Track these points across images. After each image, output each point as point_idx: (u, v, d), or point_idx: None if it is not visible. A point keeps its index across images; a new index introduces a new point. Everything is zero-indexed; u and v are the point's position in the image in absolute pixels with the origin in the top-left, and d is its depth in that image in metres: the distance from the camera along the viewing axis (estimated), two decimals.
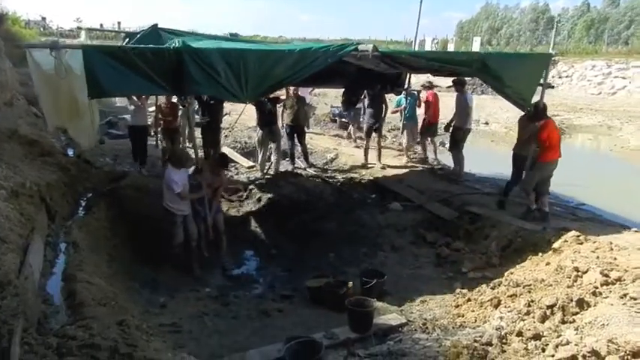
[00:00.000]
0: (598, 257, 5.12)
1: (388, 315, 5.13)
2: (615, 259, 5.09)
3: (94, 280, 4.75)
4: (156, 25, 8.30)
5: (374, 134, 10.53)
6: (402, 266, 6.86)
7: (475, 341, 3.99)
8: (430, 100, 10.68)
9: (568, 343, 3.67)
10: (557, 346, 3.69)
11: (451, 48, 38.15)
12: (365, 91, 10.63)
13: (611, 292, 4.37)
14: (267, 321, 5.30)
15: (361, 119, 11.41)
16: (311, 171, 10.41)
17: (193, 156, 7.12)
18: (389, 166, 10.52)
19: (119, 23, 43.11)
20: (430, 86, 11.20)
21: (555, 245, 5.89)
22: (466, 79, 10.22)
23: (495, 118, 19.35)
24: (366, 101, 10.77)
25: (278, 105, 10.07)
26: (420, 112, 11.06)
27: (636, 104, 21.88)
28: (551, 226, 6.77)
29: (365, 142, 10.78)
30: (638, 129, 17.57)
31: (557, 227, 6.64)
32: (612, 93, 24.46)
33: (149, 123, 9.73)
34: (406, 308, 5.50)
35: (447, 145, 11.42)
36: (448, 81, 12.16)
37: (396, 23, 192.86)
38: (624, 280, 4.52)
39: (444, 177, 9.94)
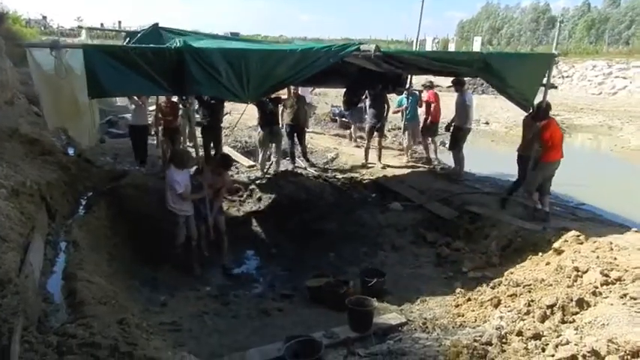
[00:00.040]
0: (598, 257, 5.12)
1: (388, 314, 5.13)
2: (615, 259, 5.09)
3: (94, 279, 4.76)
4: (157, 24, 8.30)
5: (375, 134, 10.53)
6: (403, 266, 6.86)
7: (475, 341, 3.99)
8: (431, 100, 10.68)
9: (568, 342, 3.67)
10: (557, 346, 3.69)
11: (452, 48, 38.09)
12: (366, 91, 10.62)
13: (611, 292, 4.38)
14: (267, 320, 5.31)
15: (364, 118, 11.39)
16: (311, 170, 10.40)
17: (194, 156, 7.13)
18: (389, 166, 10.52)
19: (119, 22, 43.00)
20: (431, 86, 11.20)
21: (555, 245, 5.90)
22: (466, 78, 10.21)
23: (496, 118, 19.35)
24: (368, 101, 10.76)
25: (279, 105, 10.06)
26: (421, 111, 11.05)
27: (637, 104, 21.86)
28: (552, 225, 6.77)
29: (366, 142, 10.78)
30: (639, 129, 17.56)
31: (557, 227, 6.64)
32: (613, 93, 24.44)
33: (149, 122, 9.72)
34: (406, 308, 5.50)
35: (447, 145, 11.42)
36: (448, 80, 12.14)
37: (396, 23, 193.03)
38: (624, 280, 4.53)
39: (444, 177, 9.94)
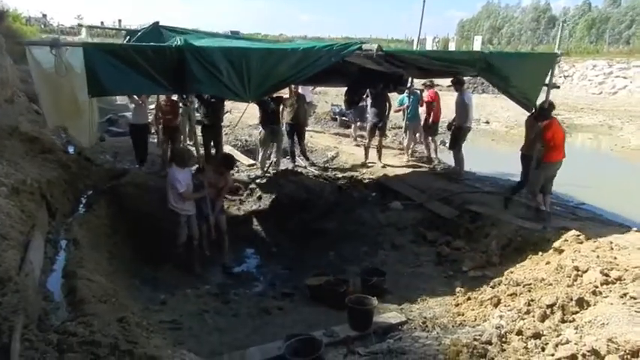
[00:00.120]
0: (598, 256, 5.12)
1: (388, 313, 5.14)
2: (615, 258, 5.09)
3: (94, 277, 4.76)
4: (157, 22, 8.29)
5: (376, 133, 10.52)
6: (403, 265, 6.86)
7: (475, 340, 3.99)
8: (432, 99, 10.68)
9: (568, 342, 3.67)
10: (556, 345, 3.69)
11: (452, 47, 38.09)
12: (367, 90, 10.62)
13: (611, 291, 4.38)
14: (267, 319, 5.31)
15: (365, 116, 11.39)
16: (311, 169, 10.40)
17: (195, 155, 7.13)
18: (389, 165, 10.51)
19: (120, 21, 43.04)
20: (431, 85, 11.19)
21: (555, 244, 5.89)
22: (466, 78, 10.20)
23: (496, 117, 19.35)
24: (369, 100, 10.75)
25: (281, 104, 10.04)
26: (422, 110, 11.04)
27: (637, 104, 21.85)
28: (552, 225, 6.76)
29: (367, 141, 10.78)
30: (639, 128, 17.56)
31: (557, 226, 6.64)
32: (613, 93, 24.41)
33: (150, 121, 9.71)
34: (406, 306, 5.50)
35: (447, 145, 11.42)
36: (448, 80, 12.14)
37: (396, 22, 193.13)
38: (624, 279, 4.53)
39: (445, 176, 9.94)
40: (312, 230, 8.28)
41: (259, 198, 9.03)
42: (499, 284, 5.47)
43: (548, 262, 5.53)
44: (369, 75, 9.06)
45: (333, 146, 12.57)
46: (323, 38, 38.58)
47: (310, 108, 14.58)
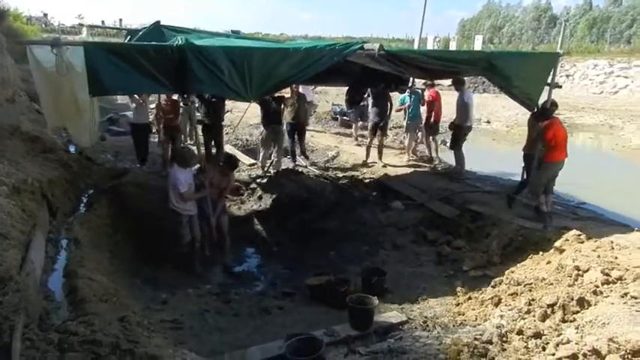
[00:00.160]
0: (599, 256, 5.11)
1: (389, 313, 5.14)
2: (616, 258, 5.09)
3: (95, 277, 4.76)
4: (158, 22, 8.28)
5: (377, 132, 10.52)
6: (403, 264, 6.86)
7: (475, 339, 3.99)
8: (433, 99, 10.69)
9: (569, 341, 3.67)
10: (557, 345, 3.69)
11: (453, 46, 38.04)
12: (369, 90, 10.61)
13: (612, 291, 4.37)
14: (267, 318, 5.32)
15: (367, 116, 11.40)
16: (312, 169, 10.40)
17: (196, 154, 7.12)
18: (390, 165, 10.51)
19: (120, 20, 43.12)
20: (432, 84, 11.18)
21: (556, 244, 5.89)
22: (466, 77, 10.19)
23: (497, 117, 19.34)
24: (370, 100, 10.75)
25: (282, 104, 10.04)
26: (423, 110, 11.03)
27: (638, 103, 21.82)
28: (553, 225, 6.75)
29: (368, 140, 10.78)
30: None
31: (558, 226, 6.63)
32: (614, 92, 24.38)
33: (151, 120, 9.71)
34: (407, 306, 5.50)
35: (448, 144, 11.42)
36: (449, 79, 12.14)
37: (396, 22, 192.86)
38: (625, 279, 4.53)
39: (445, 175, 9.94)
40: (312, 230, 8.28)
41: (260, 198, 9.04)
42: (500, 284, 5.47)
43: (549, 262, 5.53)
44: (371, 74, 9.06)
45: (333, 146, 12.57)
46: (324, 37, 38.60)
47: (311, 107, 14.58)
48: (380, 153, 10.69)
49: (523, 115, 16.88)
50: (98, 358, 3.09)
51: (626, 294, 4.21)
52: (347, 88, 11.05)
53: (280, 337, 4.42)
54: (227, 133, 12.28)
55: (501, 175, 10.04)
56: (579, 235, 5.97)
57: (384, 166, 10.40)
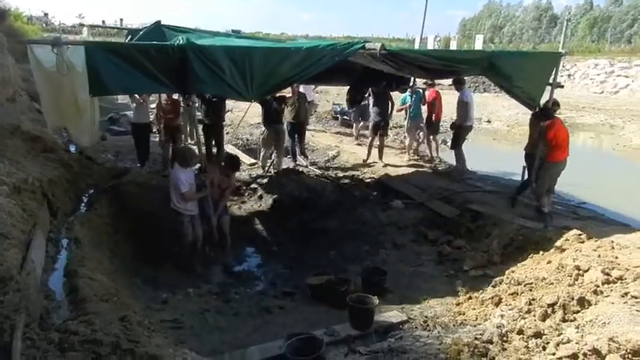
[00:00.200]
0: (599, 256, 5.11)
1: (389, 312, 5.13)
2: (617, 257, 5.09)
3: (95, 276, 4.76)
4: (159, 21, 8.27)
5: (379, 131, 10.52)
6: (404, 264, 6.86)
7: (476, 339, 3.99)
8: (433, 98, 10.69)
9: (569, 341, 3.67)
10: (558, 345, 3.69)
11: (453, 46, 38.07)
12: (370, 89, 10.61)
13: (612, 290, 4.37)
14: (268, 318, 5.32)
15: (368, 115, 11.39)
16: (313, 169, 10.40)
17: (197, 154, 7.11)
18: (390, 165, 10.51)
19: (121, 20, 43.15)
20: (432, 84, 11.19)
21: (557, 244, 5.89)
22: (467, 77, 10.18)
23: (497, 116, 19.34)
24: (371, 99, 10.75)
25: (284, 104, 10.02)
26: (424, 109, 11.03)
27: (639, 103, 21.80)
28: (553, 224, 6.75)
29: (370, 139, 10.77)
30: None
31: (558, 226, 6.62)
32: (615, 92, 24.36)
33: (151, 120, 9.71)
34: (407, 306, 5.50)
35: (449, 144, 11.43)
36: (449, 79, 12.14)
37: (396, 21, 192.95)
38: (625, 278, 4.52)
39: (446, 175, 9.94)
40: (313, 229, 8.27)
41: (260, 197, 9.03)
42: (500, 283, 5.47)
43: (549, 262, 5.52)
44: (372, 74, 9.05)
45: (334, 145, 12.57)
46: (324, 37, 38.58)
47: (311, 107, 14.59)
48: (380, 153, 10.70)
49: (524, 114, 16.89)
50: (99, 357, 3.09)
51: (626, 293, 4.21)
52: (348, 87, 11.04)
53: (280, 337, 4.42)
54: (227, 133, 12.27)
55: (502, 174, 10.04)
56: (580, 234, 5.97)
57: (385, 165, 10.40)
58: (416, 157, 11.37)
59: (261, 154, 10.17)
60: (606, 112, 21.00)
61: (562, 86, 8.33)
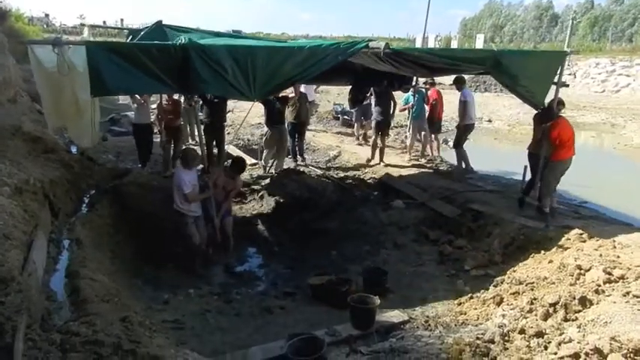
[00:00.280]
0: (601, 255, 5.11)
1: (390, 312, 5.13)
2: (618, 257, 5.09)
3: (97, 277, 4.77)
4: (160, 21, 8.23)
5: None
6: (405, 264, 6.86)
7: (477, 339, 3.99)
8: (435, 98, 10.69)
9: (571, 340, 3.67)
10: (559, 344, 3.69)
11: (454, 45, 38.12)
12: (372, 89, 10.60)
13: (614, 290, 4.37)
14: (269, 318, 5.32)
15: (370, 114, 11.38)
16: (313, 169, 10.40)
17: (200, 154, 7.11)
18: (391, 164, 10.51)
19: (122, 20, 43.19)
20: (433, 83, 11.19)
21: (558, 243, 5.89)
22: (467, 76, 10.16)
23: (498, 116, 19.32)
24: (373, 99, 10.74)
25: (286, 104, 10.00)
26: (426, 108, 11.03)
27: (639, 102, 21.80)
28: (554, 224, 6.74)
29: (373, 138, 10.75)
30: None
31: (560, 225, 6.62)
32: (616, 91, 24.30)
33: (152, 121, 9.71)
34: (408, 305, 5.50)
35: (450, 143, 11.42)
36: (450, 78, 12.14)
37: (395, 21, 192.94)
38: (627, 278, 4.52)
39: (447, 175, 9.93)
40: (314, 229, 8.27)
41: (262, 197, 9.03)
42: (502, 283, 5.47)
43: (550, 261, 5.52)
44: (374, 73, 9.02)
45: (335, 145, 12.57)
46: (325, 37, 38.58)
47: (313, 107, 14.58)
48: (381, 153, 10.68)
49: (525, 113, 16.91)
50: (100, 358, 3.10)
51: (628, 293, 4.21)
52: (349, 87, 11.03)
53: (282, 337, 4.42)
54: (228, 133, 12.27)
55: (503, 174, 10.02)
56: (581, 234, 5.97)
57: (386, 165, 10.39)
58: (419, 156, 11.32)
59: (264, 154, 10.16)
60: (607, 111, 20.97)
61: (567, 85, 8.26)
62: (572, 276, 4.76)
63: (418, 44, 16.14)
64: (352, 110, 13.55)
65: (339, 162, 11.25)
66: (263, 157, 10.17)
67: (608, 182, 10.72)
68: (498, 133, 17.25)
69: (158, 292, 5.94)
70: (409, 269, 6.69)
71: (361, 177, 10.01)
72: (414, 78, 10.53)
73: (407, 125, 11.76)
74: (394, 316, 5.04)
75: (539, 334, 3.95)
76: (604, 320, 3.81)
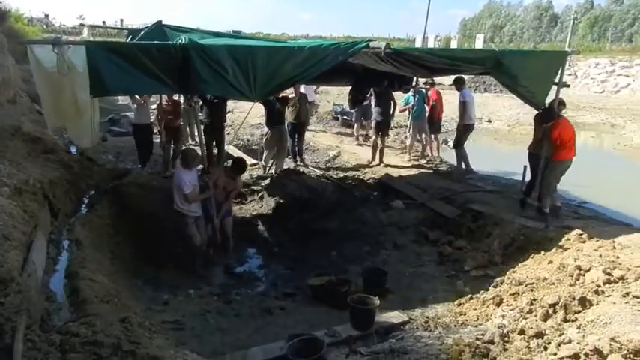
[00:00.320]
0: (601, 255, 5.11)
1: (390, 313, 5.13)
2: (618, 257, 5.09)
3: (96, 278, 4.77)
4: (160, 21, 8.22)
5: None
6: (405, 264, 6.86)
7: (477, 339, 3.99)
8: (434, 98, 10.69)
9: (570, 341, 3.67)
10: (559, 345, 3.69)
11: (454, 45, 38.11)
12: (372, 89, 10.59)
13: (613, 290, 4.37)
14: (269, 319, 5.32)
15: (370, 114, 11.38)
16: (313, 169, 10.40)
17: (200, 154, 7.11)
18: (391, 165, 10.51)
19: (122, 21, 43.14)
20: (432, 83, 11.19)
21: (558, 243, 5.89)
22: (467, 76, 10.16)
23: (498, 116, 19.33)
24: (373, 99, 10.74)
25: (286, 105, 9.99)
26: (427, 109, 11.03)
27: (639, 102, 21.78)
28: (554, 224, 6.75)
29: (373, 139, 10.74)
30: None
31: (559, 225, 6.62)
32: (615, 91, 24.30)
33: (152, 121, 9.70)
34: (408, 306, 5.50)
35: (449, 143, 11.42)
36: (449, 78, 12.14)
37: (396, 21, 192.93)
38: (627, 278, 4.52)
39: (447, 175, 9.93)
40: (313, 230, 8.27)
41: (261, 198, 9.03)
42: (501, 283, 5.47)
43: (550, 261, 5.52)
44: (374, 73, 9.01)
45: (335, 146, 12.58)
46: (325, 37, 38.56)
47: (312, 107, 14.58)
48: (381, 153, 10.67)
49: (524, 114, 16.91)
50: (100, 359, 3.10)
51: (627, 293, 4.21)
52: (349, 87, 11.03)
53: (282, 338, 4.42)
54: (228, 134, 12.27)
55: (503, 174, 10.02)
56: (581, 234, 5.97)
57: (385, 166, 10.39)
58: (420, 158, 11.32)
59: (264, 155, 10.15)
60: (607, 111, 20.97)
61: (568, 85, 8.24)
62: (572, 276, 4.76)
63: (418, 44, 16.15)
64: (352, 111, 13.55)
65: (338, 162, 11.26)
66: (263, 158, 10.17)
67: (608, 182, 10.72)
68: (498, 134, 17.25)
69: (158, 292, 5.94)
70: (409, 270, 6.69)
71: (361, 177, 10.01)
72: (414, 78, 10.53)
73: (407, 126, 11.76)
74: (394, 316, 5.04)
75: (539, 335, 3.95)
76: (604, 321, 3.81)
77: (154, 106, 10.57)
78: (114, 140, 11.61)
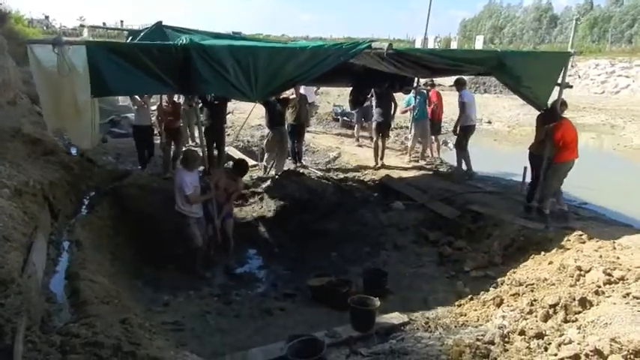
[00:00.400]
0: (601, 256, 5.11)
1: (390, 313, 5.13)
2: (618, 258, 5.09)
3: (97, 279, 4.77)
4: (160, 22, 8.23)
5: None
6: (405, 265, 6.85)
7: (477, 340, 3.99)
8: (434, 100, 10.70)
9: (571, 342, 3.67)
10: (559, 345, 3.69)
11: (454, 46, 38.09)
12: (372, 90, 10.59)
13: (613, 291, 4.37)
14: (269, 320, 5.32)
15: (370, 115, 11.37)
16: (313, 170, 10.40)
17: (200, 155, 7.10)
18: (391, 166, 10.51)
19: (122, 22, 43.03)
20: (432, 84, 11.19)
21: (558, 244, 5.88)
22: (467, 77, 10.15)
23: (498, 117, 19.34)
24: (374, 100, 10.73)
25: (287, 106, 9.99)
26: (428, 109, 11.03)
27: (639, 103, 21.79)
28: (554, 225, 6.74)
29: (374, 140, 10.73)
30: None
31: (560, 226, 6.62)
32: (615, 92, 24.31)
33: (152, 122, 9.70)
34: (408, 307, 5.49)
35: (450, 144, 11.41)
36: (450, 79, 12.15)
37: (395, 22, 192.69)
38: (627, 279, 4.53)
39: (447, 176, 9.93)
40: (313, 231, 8.27)
41: (262, 199, 9.03)
42: (501, 284, 5.47)
43: (550, 262, 5.52)
44: (374, 74, 9.00)
45: (335, 147, 12.58)
46: (325, 38, 38.56)
47: (312, 109, 14.59)
48: (382, 154, 10.67)
49: (524, 115, 16.94)
50: None
51: (628, 294, 4.21)
52: (350, 88, 11.03)
53: (282, 339, 4.42)
54: (228, 135, 12.27)
55: (503, 175, 10.03)
56: (581, 235, 5.97)
57: (386, 167, 10.39)
58: (421, 159, 11.31)
59: (265, 156, 10.14)
60: (607, 112, 20.98)
61: (571, 86, 8.21)
62: (572, 277, 4.76)
63: (418, 45, 16.14)
64: (353, 112, 13.55)
65: (338, 163, 11.26)
66: (264, 159, 10.17)
67: (608, 183, 10.72)
68: (498, 135, 17.26)
69: (158, 293, 5.94)
70: (409, 270, 6.68)
71: (361, 178, 10.01)
72: (415, 79, 10.53)
73: (407, 127, 11.75)
74: (394, 317, 5.03)
75: (539, 336, 3.95)
76: (604, 321, 3.81)
77: (154, 108, 10.56)
78: (114, 141, 11.60)
